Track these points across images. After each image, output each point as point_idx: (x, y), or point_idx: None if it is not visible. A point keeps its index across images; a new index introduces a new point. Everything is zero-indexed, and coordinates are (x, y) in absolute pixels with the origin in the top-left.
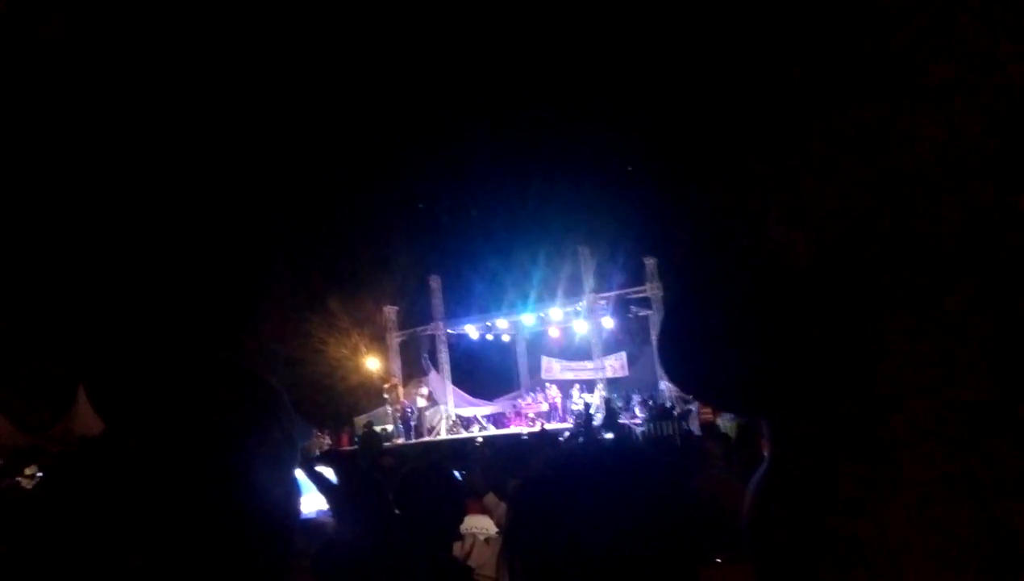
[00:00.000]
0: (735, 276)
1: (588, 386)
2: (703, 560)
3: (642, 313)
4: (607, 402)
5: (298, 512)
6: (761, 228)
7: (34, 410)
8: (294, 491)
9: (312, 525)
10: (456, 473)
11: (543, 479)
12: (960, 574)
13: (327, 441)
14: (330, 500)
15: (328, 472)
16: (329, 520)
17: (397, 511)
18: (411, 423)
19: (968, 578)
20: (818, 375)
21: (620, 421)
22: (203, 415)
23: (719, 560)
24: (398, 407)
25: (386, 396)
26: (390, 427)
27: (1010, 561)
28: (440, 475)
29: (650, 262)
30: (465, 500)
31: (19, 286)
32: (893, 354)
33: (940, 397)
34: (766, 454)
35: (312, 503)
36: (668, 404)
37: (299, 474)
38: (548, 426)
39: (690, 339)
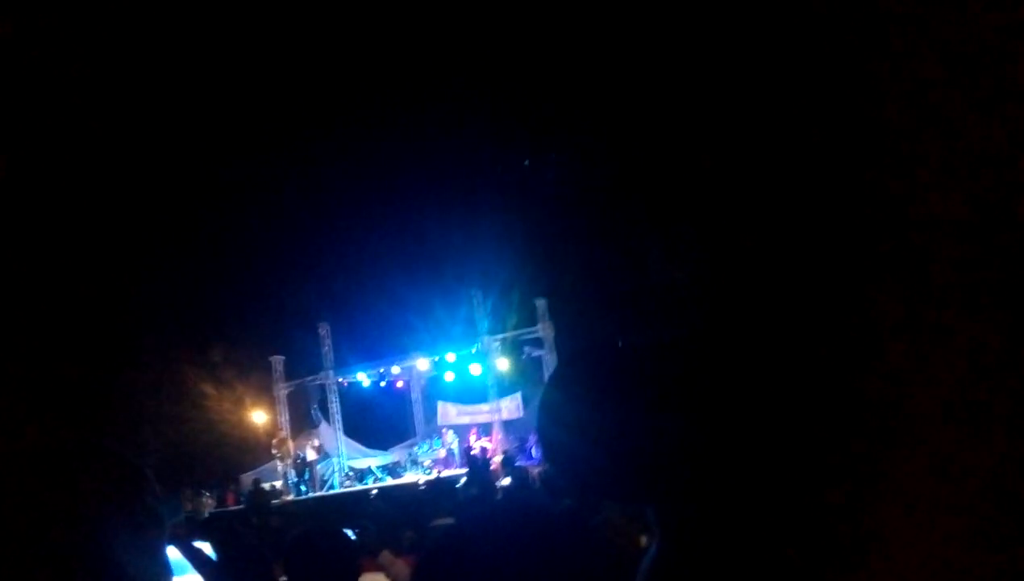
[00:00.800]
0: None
1: (484, 429)
2: None
3: (535, 353)
4: (505, 444)
5: None
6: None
7: None
8: (164, 569)
9: None
10: (349, 531)
11: (443, 547)
12: None
13: (211, 502)
14: (208, 578)
15: (206, 547)
16: None
17: (285, 578)
18: (304, 476)
19: None
20: (719, 452)
21: (516, 464)
22: (63, 498)
23: None
24: (289, 461)
25: (274, 451)
26: (279, 483)
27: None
28: (331, 536)
29: (542, 303)
30: (358, 560)
31: None
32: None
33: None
34: (651, 540)
35: None
36: None
37: (174, 552)
38: (445, 472)
39: (578, 410)
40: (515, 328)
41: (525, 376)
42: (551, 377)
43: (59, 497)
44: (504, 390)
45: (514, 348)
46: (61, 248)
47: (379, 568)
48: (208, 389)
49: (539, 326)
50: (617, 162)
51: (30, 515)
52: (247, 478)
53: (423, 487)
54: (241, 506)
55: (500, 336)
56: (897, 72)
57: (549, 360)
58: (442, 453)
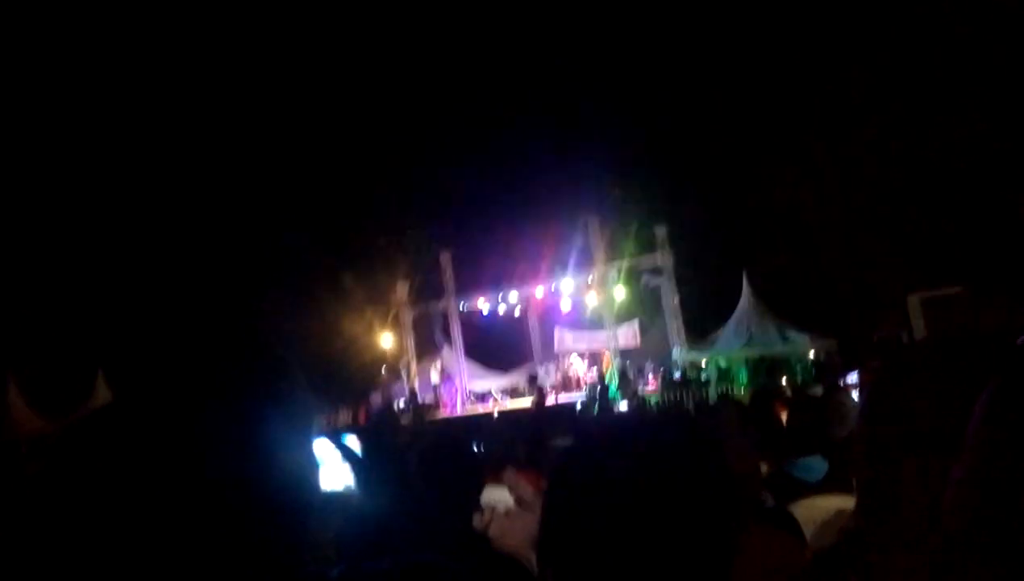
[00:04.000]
0: None
1: (600, 357)
2: (741, 522)
3: (653, 282)
4: (621, 372)
5: (317, 482)
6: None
7: (55, 396)
8: (312, 461)
9: (334, 500)
10: (474, 446)
11: (578, 449)
12: None
13: (345, 418)
14: (355, 470)
15: (352, 443)
16: (352, 495)
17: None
18: (419, 402)
19: None
20: None
21: (634, 390)
22: (218, 382)
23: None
24: (415, 382)
25: (401, 373)
26: (404, 403)
27: None
28: (458, 448)
29: (661, 230)
30: (483, 472)
31: (36, 276)
32: None
33: None
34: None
35: (333, 478)
36: (681, 373)
37: (320, 448)
38: (562, 397)
39: None
40: (633, 256)
41: (643, 305)
42: None
43: (218, 391)
44: (621, 318)
45: (632, 276)
46: (213, 198)
47: (501, 482)
48: (340, 313)
49: (658, 254)
50: (743, 84)
51: (189, 407)
52: (376, 397)
53: (541, 409)
54: (373, 422)
55: (617, 264)
56: None
57: (668, 288)
58: (558, 378)
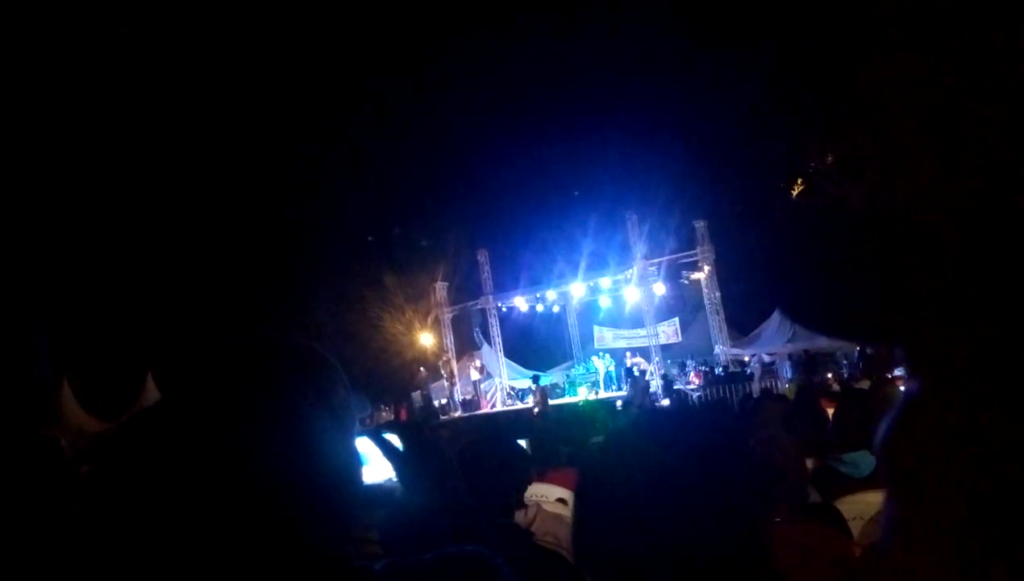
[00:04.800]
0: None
1: (642, 354)
2: (767, 515)
3: (694, 277)
4: (662, 368)
5: (360, 478)
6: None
7: (106, 397)
8: (356, 458)
9: (378, 493)
10: (521, 442)
11: (609, 445)
12: None
13: (386, 416)
14: (397, 467)
15: (394, 439)
16: (395, 488)
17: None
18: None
19: None
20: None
21: (676, 387)
22: (263, 381)
23: (778, 519)
24: (454, 380)
25: (441, 371)
26: (445, 400)
27: None
28: (503, 443)
29: (700, 225)
30: (529, 468)
31: (89, 276)
32: None
33: None
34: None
35: (376, 473)
36: (724, 368)
37: (364, 444)
38: (603, 395)
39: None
40: (672, 252)
41: (683, 301)
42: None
43: (263, 388)
44: (661, 315)
45: (671, 272)
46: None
47: (543, 480)
48: (382, 314)
49: (698, 249)
50: (783, 60)
51: (237, 405)
52: (417, 396)
53: (581, 406)
54: (414, 419)
55: (657, 260)
56: None
57: (709, 284)
58: (599, 376)
